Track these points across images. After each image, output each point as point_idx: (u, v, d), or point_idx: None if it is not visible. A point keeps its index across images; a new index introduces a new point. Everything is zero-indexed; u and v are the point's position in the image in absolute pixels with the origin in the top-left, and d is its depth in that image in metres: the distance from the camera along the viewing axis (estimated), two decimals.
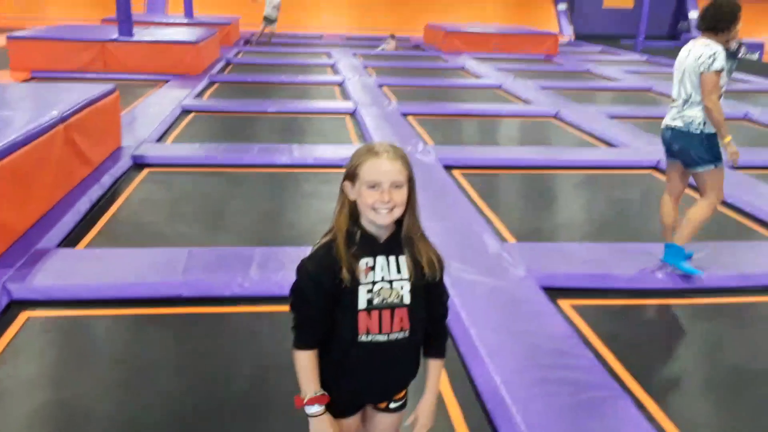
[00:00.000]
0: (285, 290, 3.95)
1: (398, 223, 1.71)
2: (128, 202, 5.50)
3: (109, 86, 6.57)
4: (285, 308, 3.65)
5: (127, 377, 3.11)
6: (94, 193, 5.44)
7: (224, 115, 9.02)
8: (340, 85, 11.83)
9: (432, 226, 4.81)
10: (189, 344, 3.42)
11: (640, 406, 2.96)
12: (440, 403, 2.94)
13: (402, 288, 1.70)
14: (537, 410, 2.75)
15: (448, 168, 6.70)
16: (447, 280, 3.88)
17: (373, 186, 1.64)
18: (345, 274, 1.64)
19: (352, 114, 9.35)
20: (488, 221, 5.21)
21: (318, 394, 1.74)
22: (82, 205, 5.12)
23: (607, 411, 2.78)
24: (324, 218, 5.29)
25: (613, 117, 9.55)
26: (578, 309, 3.88)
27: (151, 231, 4.92)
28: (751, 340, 3.65)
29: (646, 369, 3.29)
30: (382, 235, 1.72)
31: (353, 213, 1.71)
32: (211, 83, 11.55)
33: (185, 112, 9.03)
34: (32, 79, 11.08)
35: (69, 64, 11.50)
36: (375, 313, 1.68)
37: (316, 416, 1.75)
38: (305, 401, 1.75)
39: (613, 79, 13.89)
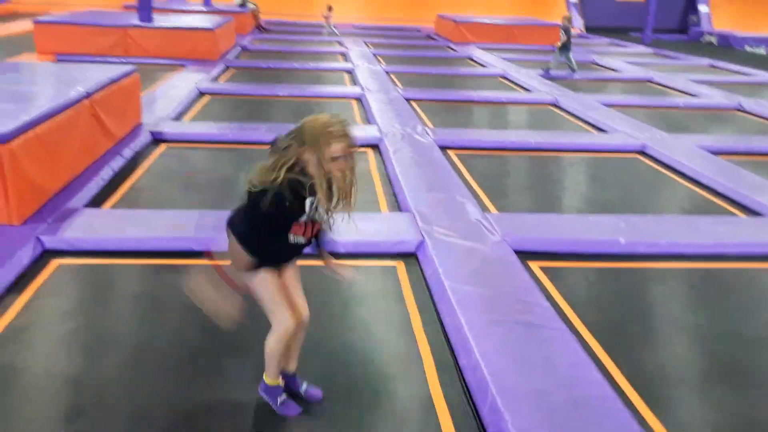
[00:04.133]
0: None
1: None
2: (147, 173, 6.01)
3: (130, 67, 7.09)
4: None
5: (142, 313, 3.61)
6: (116, 163, 5.96)
7: (238, 98, 9.52)
8: (350, 72, 12.29)
9: (423, 196, 5.34)
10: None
11: (585, 345, 3.42)
12: (411, 336, 3.43)
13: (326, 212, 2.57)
14: (492, 343, 3.22)
15: (444, 149, 7.16)
16: (429, 242, 4.39)
17: (336, 159, 2.42)
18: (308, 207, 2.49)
19: (359, 99, 9.81)
20: (474, 195, 5.67)
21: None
22: (105, 173, 5.64)
23: (554, 345, 3.24)
24: None
25: (609, 105, 9.93)
26: (546, 270, 4.34)
27: (167, 197, 5.43)
28: (702, 301, 4.09)
29: (596, 318, 3.75)
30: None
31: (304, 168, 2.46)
32: (226, 68, 12.05)
33: (201, 94, 9.54)
34: (57, 62, 11.63)
35: (92, 48, 12.05)
36: (308, 224, 2.54)
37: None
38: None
39: (615, 70, 14.22)
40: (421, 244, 4.47)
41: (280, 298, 2.65)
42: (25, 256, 4.02)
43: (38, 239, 4.23)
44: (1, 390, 2.89)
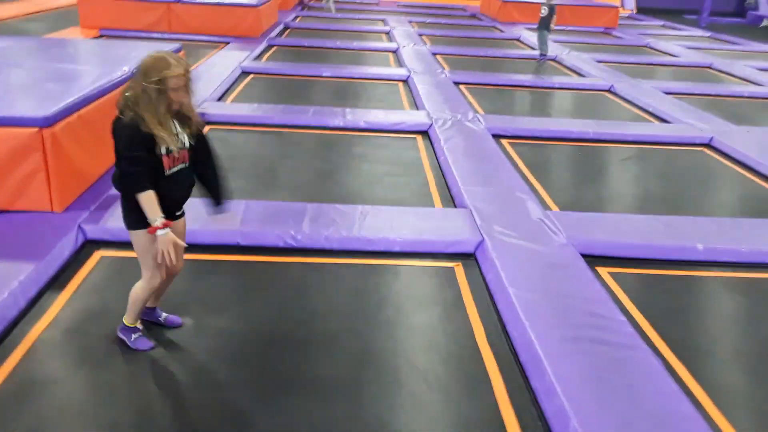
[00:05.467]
0: (334, 244, 4.19)
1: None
2: None
3: (175, 45, 6.86)
4: (333, 260, 3.88)
5: (186, 312, 3.40)
6: None
7: (281, 78, 9.27)
8: (395, 52, 11.93)
9: (476, 190, 5.02)
10: (243, 289, 3.69)
11: (669, 368, 3.10)
12: (476, 350, 3.15)
13: (185, 139, 2.74)
14: (567, 365, 2.92)
15: (497, 137, 6.81)
16: (489, 243, 4.05)
17: (174, 92, 2.58)
18: (162, 140, 2.62)
19: (405, 81, 9.47)
20: (533, 189, 5.33)
21: (165, 219, 2.66)
22: None
23: (634, 369, 2.93)
24: (374, 179, 5.53)
25: (669, 93, 9.42)
26: (616, 276, 4.01)
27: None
28: None
29: (677, 335, 3.42)
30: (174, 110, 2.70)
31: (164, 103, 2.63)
32: (269, 46, 11.80)
33: (244, 73, 9.31)
34: (101, 36, 11.53)
35: (136, 23, 11.92)
36: (172, 155, 2.68)
37: (165, 235, 2.65)
38: (158, 226, 2.64)
39: (672, 55, 13.57)
40: (480, 244, 4.17)
41: (151, 255, 2.79)
42: (66, 246, 3.85)
43: (80, 228, 4.05)
44: (34, 406, 2.71)
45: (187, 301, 3.48)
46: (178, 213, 2.91)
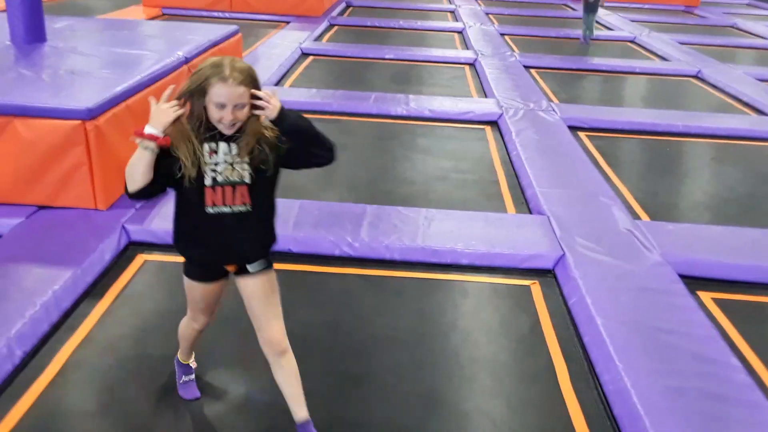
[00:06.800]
0: (395, 255, 3.75)
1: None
2: None
3: (232, 27, 6.54)
4: (394, 273, 3.39)
5: (231, 327, 3.05)
6: None
7: (341, 60, 8.87)
8: (460, 32, 11.33)
9: (554, 193, 4.50)
10: (293, 299, 3.33)
11: None
12: (558, 396, 2.69)
13: (242, 169, 2.03)
14: (671, 424, 2.43)
15: (574, 129, 6.23)
16: (571, 259, 3.47)
17: (220, 106, 1.93)
18: (185, 156, 1.97)
19: (472, 64, 8.91)
20: (617, 193, 4.77)
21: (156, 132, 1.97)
22: None
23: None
24: (440, 176, 5.07)
25: (762, 80, 8.55)
26: (721, 304, 3.46)
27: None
28: None
29: None
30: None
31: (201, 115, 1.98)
32: (330, 26, 11.40)
33: (304, 54, 8.95)
34: (162, 15, 11.38)
35: (197, 2, 11.73)
36: (219, 189, 2.02)
37: (148, 148, 1.96)
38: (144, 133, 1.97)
39: (762, 37, 12.48)
40: (560, 259, 3.68)
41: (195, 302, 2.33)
42: (108, 250, 3.56)
43: (124, 228, 3.76)
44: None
45: (232, 309, 3.14)
46: (251, 269, 2.20)
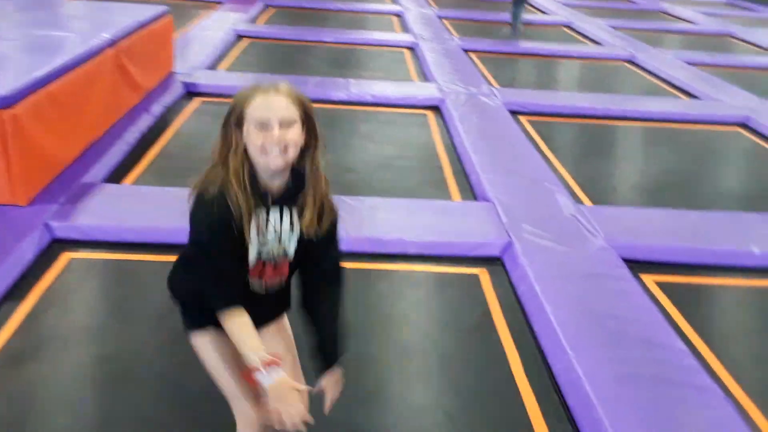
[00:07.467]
0: (340, 245, 3.63)
1: (294, 173, 1.59)
2: (178, 134, 5.23)
3: (162, 8, 6.22)
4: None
5: (173, 338, 2.88)
6: (144, 122, 5.18)
7: (278, 43, 8.62)
8: (399, 15, 11.21)
9: (498, 179, 4.46)
10: None
11: (740, 408, 2.61)
12: (511, 384, 2.64)
13: (289, 241, 1.62)
14: (624, 413, 2.42)
15: (515, 113, 6.23)
16: (518, 246, 3.43)
17: (261, 125, 1.49)
18: (245, 229, 1.53)
19: (412, 48, 8.82)
20: (560, 178, 4.78)
21: (269, 357, 1.52)
22: (131, 135, 4.87)
23: (708, 419, 2.44)
24: (383, 164, 4.96)
25: (692, 64, 8.80)
26: (664, 287, 3.49)
27: (203, 167, 4.64)
28: None
29: (744, 363, 2.93)
30: (275, 185, 1.57)
31: (243, 163, 1.54)
32: (265, 7, 11.07)
33: (239, 37, 8.65)
34: None
35: None
36: (259, 264, 1.62)
37: (277, 382, 1.51)
38: (262, 368, 1.51)
39: (690, 22, 12.87)
40: (508, 246, 3.64)
41: (235, 375, 1.72)
42: (29, 248, 3.30)
43: (47, 225, 3.50)
44: None
45: (169, 315, 2.96)
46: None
